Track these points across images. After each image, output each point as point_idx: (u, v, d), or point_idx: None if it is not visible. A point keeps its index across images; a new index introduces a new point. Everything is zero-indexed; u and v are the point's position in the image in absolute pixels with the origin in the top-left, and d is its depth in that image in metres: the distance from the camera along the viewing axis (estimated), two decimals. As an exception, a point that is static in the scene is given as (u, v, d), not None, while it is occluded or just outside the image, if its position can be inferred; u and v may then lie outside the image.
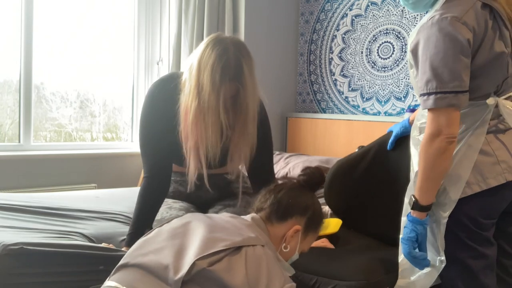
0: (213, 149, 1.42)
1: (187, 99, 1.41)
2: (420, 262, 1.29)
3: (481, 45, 1.21)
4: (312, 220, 1.23)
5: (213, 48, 1.36)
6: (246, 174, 1.67)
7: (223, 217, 1.18)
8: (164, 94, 1.52)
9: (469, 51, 1.19)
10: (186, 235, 1.08)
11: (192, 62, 1.42)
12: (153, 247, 1.07)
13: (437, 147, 1.21)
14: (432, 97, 1.21)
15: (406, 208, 1.37)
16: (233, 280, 0.98)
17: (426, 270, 1.32)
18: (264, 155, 1.60)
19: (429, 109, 1.24)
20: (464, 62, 1.19)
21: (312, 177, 1.27)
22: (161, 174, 1.56)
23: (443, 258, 1.28)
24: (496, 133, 1.28)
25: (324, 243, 1.63)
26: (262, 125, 1.54)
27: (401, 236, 1.35)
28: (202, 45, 1.42)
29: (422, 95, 1.24)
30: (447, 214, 1.26)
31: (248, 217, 1.20)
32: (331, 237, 1.69)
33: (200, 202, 1.71)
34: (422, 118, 1.35)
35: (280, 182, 1.28)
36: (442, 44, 1.18)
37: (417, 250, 1.30)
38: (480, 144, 1.26)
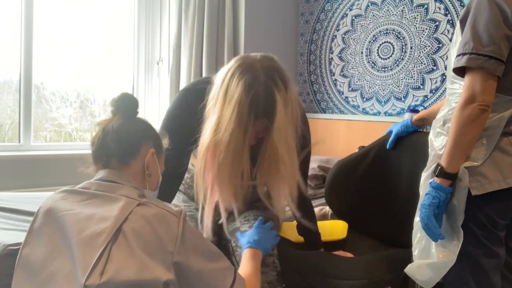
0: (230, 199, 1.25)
1: (206, 132, 1.23)
2: (435, 232, 1.26)
3: None
4: (156, 138, 1.20)
5: (241, 78, 1.15)
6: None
7: (75, 205, 1.05)
8: (187, 106, 1.38)
9: None
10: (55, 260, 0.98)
11: (217, 90, 1.21)
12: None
13: (469, 114, 1.20)
14: (466, 56, 1.21)
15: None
16: (130, 275, 0.91)
17: (442, 254, 1.29)
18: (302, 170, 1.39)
19: (465, 74, 1.24)
20: (505, 31, 1.19)
21: (121, 103, 1.16)
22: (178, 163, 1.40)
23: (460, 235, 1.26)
24: None
25: (343, 253, 1.59)
26: (302, 136, 1.32)
27: (420, 203, 1.32)
28: (229, 71, 1.20)
29: (457, 56, 1.24)
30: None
31: (103, 176, 1.10)
32: (335, 242, 1.68)
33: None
34: (447, 107, 1.35)
35: (98, 127, 1.15)
36: (488, 11, 1.20)
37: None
38: (501, 143, 1.26)
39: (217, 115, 1.19)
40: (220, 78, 1.22)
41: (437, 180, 1.28)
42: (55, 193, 1.11)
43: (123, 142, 1.13)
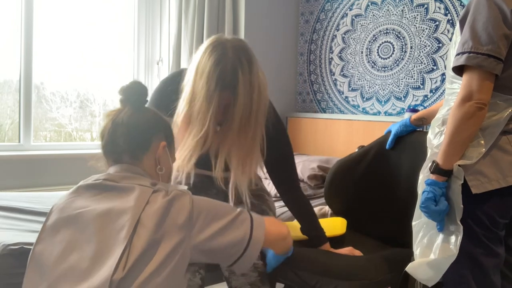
0: (190, 153, 1.38)
1: (180, 104, 1.38)
2: (437, 214, 1.27)
3: None
4: (167, 130, 1.18)
5: (212, 53, 1.32)
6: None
7: (93, 202, 1.06)
8: (171, 87, 1.49)
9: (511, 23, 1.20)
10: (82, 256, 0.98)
11: (191, 66, 1.39)
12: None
13: (466, 111, 1.21)
14: (465, 55, 1.22)
15: (418, 213, 1.37)
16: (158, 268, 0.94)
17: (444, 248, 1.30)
18: (280, 164, 1.56)
19: (463, 73, 1.25)
20: (504, 30, 1.20)
21: (131, 91, 1.15)
22: None
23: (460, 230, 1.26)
24: None
25: (351, 251, 1.58)
26: (271, 130, 1.47)
27: (418, 204, 1.33)
28: (202, 48, 1.38)
29: (457, 55, 1.25)
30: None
31: (116, 170, 1.10)
32: (335, 238, 1.68)
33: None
34: (446, 107, 1.36)
35: (107, 118, 1.14)
36: (487, 10, 1.21)
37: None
38: (500, 142, 1.26)
39: (190, 87, 1.34)
40: (195, 55, 1.37)
41: (432, 176, 1.29)
42: (68, 192, 1.11)
43: (134, 137, 1.11)
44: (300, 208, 1.61)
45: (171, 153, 1.19)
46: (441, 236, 1.30)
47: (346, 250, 1.57)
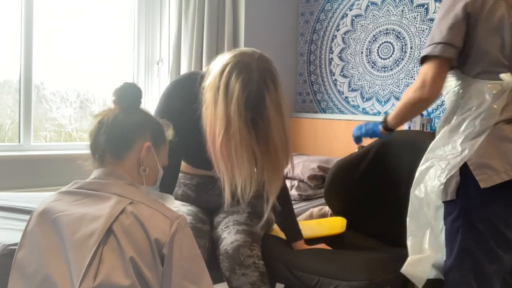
0: (248, 181, 1.38)
1: (211, 120, 1.35)
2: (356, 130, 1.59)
3: (480, 15, 1.32)
4: (156, 130, 1.15)
5: (239, 76, 1.30)
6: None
7: (68, 205, 1.04)
8: (182, 92, 1.50)
9: (465, 15, 1.32)
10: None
11: (215, 77, 1.34)
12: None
13: (416, 98, 1.36)
14: (424, 49, 1.37)
15: (412, 209, 1.37)
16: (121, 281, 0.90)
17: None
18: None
19: (421, 64, 1.38)
20: (456, 19, 1.32)
21: (126, 92, 1.15)
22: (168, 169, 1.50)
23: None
24: None
25: (323, 247, 1.61)
26: None
27: (411, 201, 1.41)
28: (227, 63, 1.33)
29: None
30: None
31: (99, 175, 1.09)
32: (335, 238, 1.68)
33: (207, 207, 1.70)
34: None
35: (96, 119, 1.14)
36: (444, 7, 1.35)
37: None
38: (504, 132, 1.27)
39: (222, 110, 1.31)
40: (218, 69, 1.34)
41: (382, 129, 1.54)
42: (50, 195, 1.10)
43: (115, 136, 1.09)
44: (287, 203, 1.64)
45: (160, 154, 1.16)
46: (427, 234, 1.34)
47: (320, 246, 1.59)
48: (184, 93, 1.49)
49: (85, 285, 0.89)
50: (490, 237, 1.26)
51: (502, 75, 1.29)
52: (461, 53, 1.34)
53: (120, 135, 1.10)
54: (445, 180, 1.31)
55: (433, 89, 1.32)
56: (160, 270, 0.96)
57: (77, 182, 1.09)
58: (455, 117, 1.36)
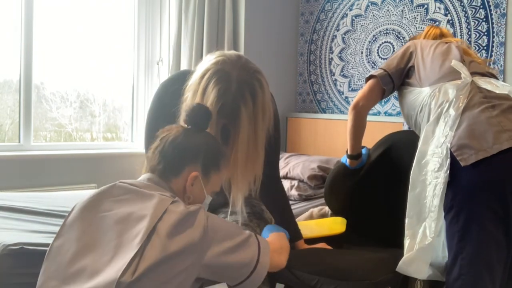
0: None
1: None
2: None
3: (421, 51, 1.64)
4: (207, 159, 1.18)
5: (216, 85, 1.27)
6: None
7: (115, 204, 1.09)
8: (173, 92, 1.51)
9: (407, 54, 1.66)
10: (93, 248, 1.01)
11: (195, 86, 1.33)
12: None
13: (352, 118, 1.75)
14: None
15: (410, 208, 1.38)
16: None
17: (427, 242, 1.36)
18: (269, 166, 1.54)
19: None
20: (399, 59, 1.66)
21: (194, 114, 1.19)
22: None
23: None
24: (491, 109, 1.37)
25: (323, 246, 1.61)
26: (271, 140, 1.47)
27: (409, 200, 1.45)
28: (207, 68, 1.31)
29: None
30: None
31: (143, 178, 1.15)
32: (335, 238, 1.68)
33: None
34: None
35: (163, 133, 1.19)
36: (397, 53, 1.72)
37: None
38: (480, 118, 1.33)
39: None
40: (199, 73, 1.32)
41: (348, 161, 1.81)
42: (92, 192, 1.13)
43: (168, 161, 1.14)
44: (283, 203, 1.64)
45: (209, 182, 1.19)
46: (422, 226, 1.36)
47: (320, 246, 1.59)
48: (175, 89, 1.47)
49: (125, 278, 0.93)
50: (493, 226, 1.28)
51: (462, 74, 1.46)
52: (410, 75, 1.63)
53: (171, 161, 1.14)
54: (441, 174, 1.33)
55: (367, 99, 1.69)
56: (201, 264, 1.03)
57: (122, 181, 1.14)
58: (431, 116, 1.45)
